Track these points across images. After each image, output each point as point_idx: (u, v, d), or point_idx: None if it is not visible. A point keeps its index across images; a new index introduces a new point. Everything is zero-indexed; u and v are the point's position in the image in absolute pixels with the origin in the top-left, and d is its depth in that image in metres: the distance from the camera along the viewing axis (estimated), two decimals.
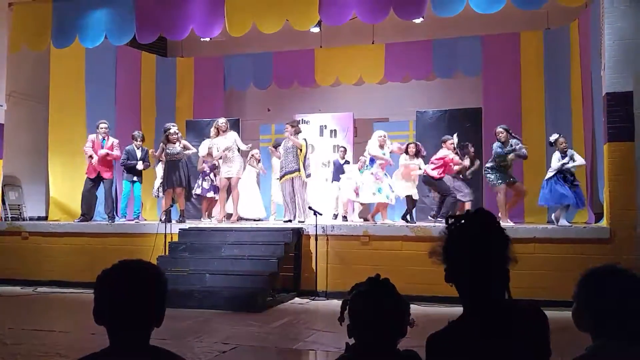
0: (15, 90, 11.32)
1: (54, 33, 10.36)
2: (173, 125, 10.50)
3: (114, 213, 10.69)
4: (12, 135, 11.10)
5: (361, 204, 10.84)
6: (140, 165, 10.69)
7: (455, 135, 10.01)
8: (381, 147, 9.91)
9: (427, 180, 9.89)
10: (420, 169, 9.92)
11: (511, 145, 9.31)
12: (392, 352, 1.91)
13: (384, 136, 9.97)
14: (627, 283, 1.87)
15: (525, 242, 7.78)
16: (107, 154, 10.45)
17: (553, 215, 8.98)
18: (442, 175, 9.73)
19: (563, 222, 8.64)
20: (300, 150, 9.81)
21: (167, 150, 10.24)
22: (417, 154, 10.03)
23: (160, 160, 10.77)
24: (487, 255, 1.79)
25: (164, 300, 1.81)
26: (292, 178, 9.83)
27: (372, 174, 9.85)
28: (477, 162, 10.33)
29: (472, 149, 10.33)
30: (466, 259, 1.79)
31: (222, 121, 10.40)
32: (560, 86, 11.03)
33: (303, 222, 9.38)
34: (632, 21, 8.00)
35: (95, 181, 10.53)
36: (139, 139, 10.83)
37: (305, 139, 10.06)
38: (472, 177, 10.38)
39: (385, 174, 9.95)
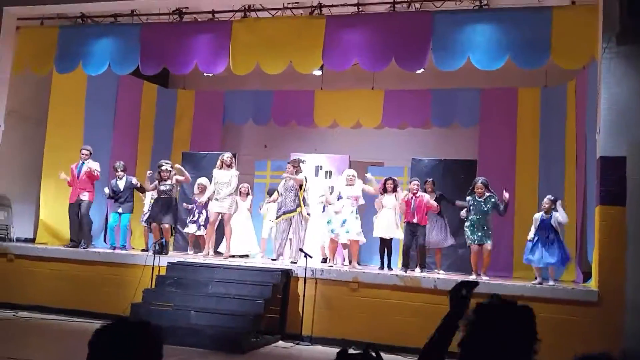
0: (15, 109, 11.29)
1: (57, 58, 10.44)
2: (166, 163, 10.45)
3: (84, 240, 10.36)
4: (7, 154, 11.05)
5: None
6: (106, 190, 10.71)
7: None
8: (350, 186, 9.81)
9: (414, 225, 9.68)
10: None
11: (490, 200, 9.29)
12: None
13: (352, 175, 9.89)
14: None
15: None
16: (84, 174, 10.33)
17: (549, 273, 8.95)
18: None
19: (550, 281, 8.66)
20: (301, 187, 9.84)
21: (160, 188, 10.29)
22: (394, 189, 9.97)
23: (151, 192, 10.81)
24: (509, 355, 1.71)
25: None
26: (291, 217, 9.81)
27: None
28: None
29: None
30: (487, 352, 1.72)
31: (227, 155, 10.36)
32: (555, 144, 11.12)
33: (295, 262, 9.30)
34: (627, 87, 8.12)
35: (76, 205, 10.41)
36: (119, 170, 10.78)
37: (305, 176, 10.07)
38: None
39: (353, 211, 9.72)
